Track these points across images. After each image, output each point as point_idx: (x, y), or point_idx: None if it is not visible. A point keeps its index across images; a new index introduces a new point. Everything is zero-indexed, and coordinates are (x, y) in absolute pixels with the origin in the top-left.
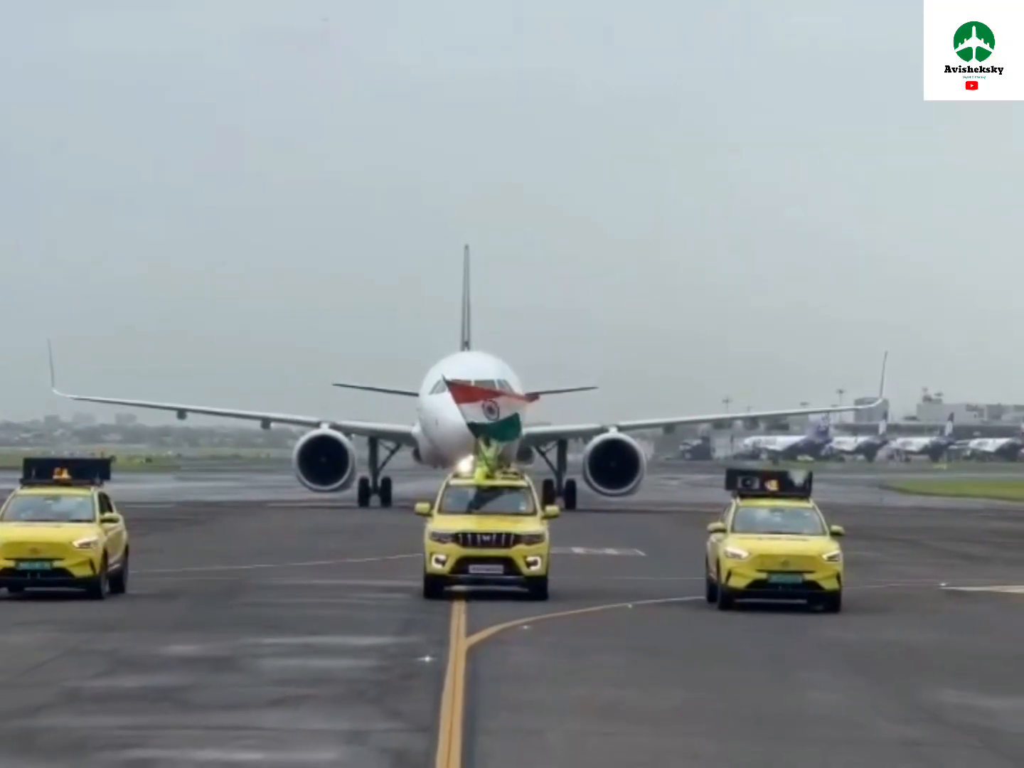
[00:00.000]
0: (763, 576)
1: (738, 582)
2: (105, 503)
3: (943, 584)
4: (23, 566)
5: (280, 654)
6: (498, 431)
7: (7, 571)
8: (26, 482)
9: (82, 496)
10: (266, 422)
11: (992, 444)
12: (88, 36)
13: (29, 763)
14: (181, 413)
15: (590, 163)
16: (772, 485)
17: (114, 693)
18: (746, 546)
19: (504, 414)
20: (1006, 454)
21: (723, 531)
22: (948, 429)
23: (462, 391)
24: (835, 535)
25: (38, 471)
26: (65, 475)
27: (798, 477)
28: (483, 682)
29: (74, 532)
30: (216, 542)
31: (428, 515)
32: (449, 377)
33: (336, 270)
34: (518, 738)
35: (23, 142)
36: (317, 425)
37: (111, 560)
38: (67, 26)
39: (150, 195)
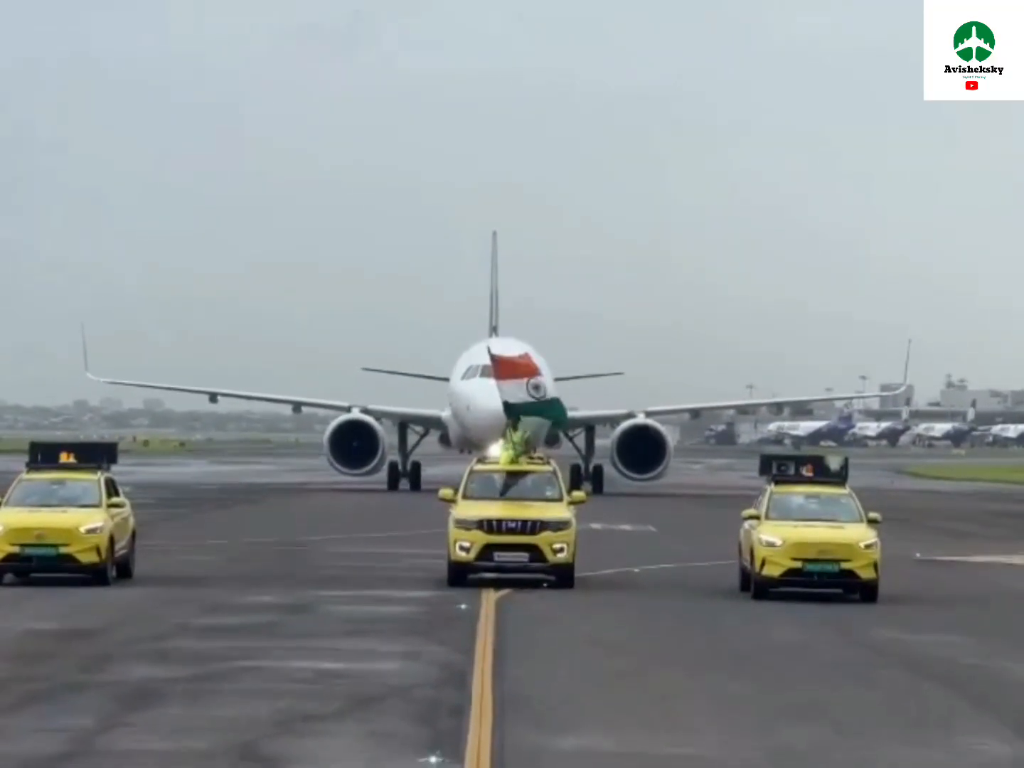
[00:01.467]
0: (798, 565)
1: (772, 571)
2: (112, 488)
3: (917, 554)
4: (28, 552)
5: (343, 602)
6: (543, 411)
7: (12, 557)
8: (32, 466)
9: (88, 481)
10: (297, 406)
11: (1014, 430)
12: (90, 36)
13: (168, 669)
14: (213, 397)
15: (590, 163)
16: (807, 471)
17: (215, 627)
18: (781, 534)
19: (549, 393)
20: None
21: (757, 518)
22: (970, 415)
23: (506, 366)
24: (872, 522)
25: (44, 455)
26: (71, 459)
27: (834, 463)
28: (509, 623)
29: (80, 518)
30: (266, 518)
31: (452, 501)
32: (480, 363)
33: (348, 266)
34: (535, 659)
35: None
36: (348, 409)
37: (117, 546)
38: (67, 26)
39: (157, 194)
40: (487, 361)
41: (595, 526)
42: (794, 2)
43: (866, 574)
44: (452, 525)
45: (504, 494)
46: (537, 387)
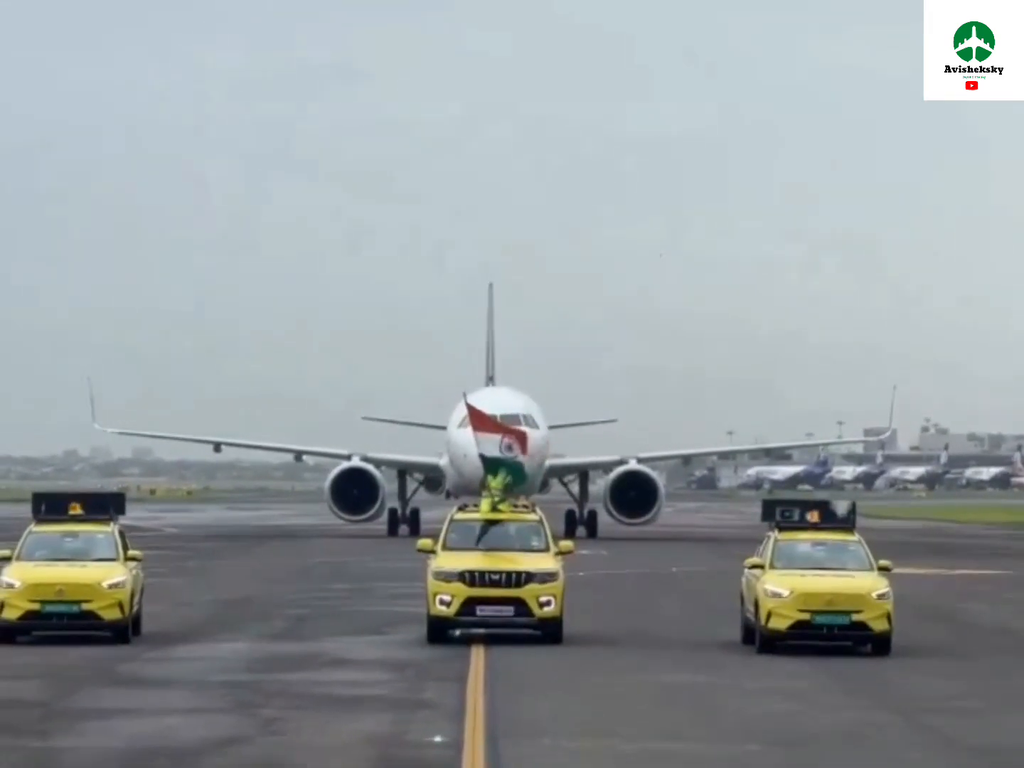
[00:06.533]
0: (806, 616)
1: (779, 623)
2: (124, 540)
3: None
4: (48, 609)
5: (390, 587)
6: (521, 472)
7: (31, 614)
8: (41, 518)
9: (103, 533)
10: (299, 455)
11: (986, 473)
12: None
13: (307, 610)
14: (217, 447)
15: (592, 206)
16: (813, 516)
17: (319, 596)
18: (787, 584)
19: (523, 457)
20: (1000, 483)
21: (761, 567)
22: (943, 458)
23: (481, 420)
24: (883, 570)
25: (49, 506)
26: (79, 510)
27: (841, 508)
28: None
29: (102, 572)
30: (303, 549)
31: (431, 552)
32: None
33: (344, 315)
34: None
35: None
36: (348, 458)
37: (135, 601)
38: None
39: (151, 225)
40: (482, 408)
41: None
42: (792, 2)
43: (878, 626)
44: (431, 577)
45: (487, 544)
46: (510, 447)
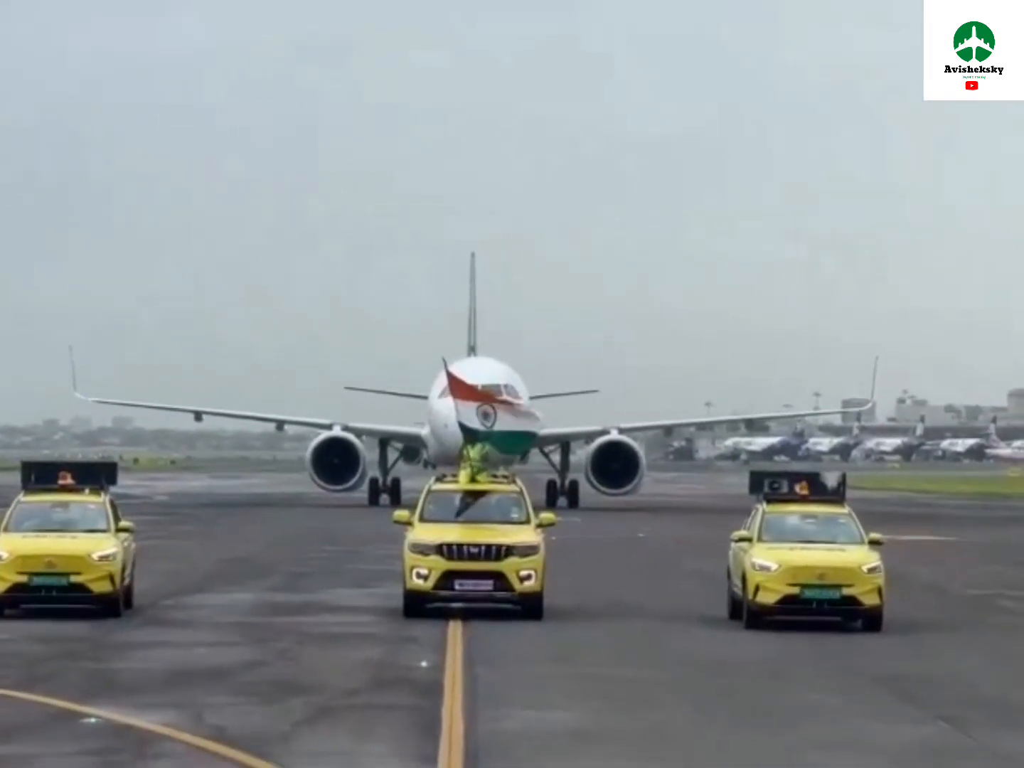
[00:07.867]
0: (795, 591)
1: (767, 597)
2: (115, 510)
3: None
4: (37, 581)
5: (377, 550)
6: (501, 443)
7: (19, 587)
8: (29, 488)
9: (94, 503)
10: (280, 425)
11: (962, 445)
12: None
13: (306, 567)
14: (198, 416)
15: (592, 205)
16: (802, 488)
17: (316, 557)
18: (776, 557)
19: (503, 425)
20: (975, 454)
21: (748, 540)
22: (919, 430)
23: (461, 388)
24: (874, 544)
25: (39, 475)
26: (69, 480)
27: (831, 479)
28: None
29: (92, 544)
30: (292, 516)
31: (408, 524)
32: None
33: (327, 286)
34: None
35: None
36: (329, 427)
37: (125, 573)
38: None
39: (141, 209)
40: (463, 378)
41: None
42: (793, 2)
43: (869, 600)
44: (408, 550)
45: (466, 516)
46: (487, 415)
